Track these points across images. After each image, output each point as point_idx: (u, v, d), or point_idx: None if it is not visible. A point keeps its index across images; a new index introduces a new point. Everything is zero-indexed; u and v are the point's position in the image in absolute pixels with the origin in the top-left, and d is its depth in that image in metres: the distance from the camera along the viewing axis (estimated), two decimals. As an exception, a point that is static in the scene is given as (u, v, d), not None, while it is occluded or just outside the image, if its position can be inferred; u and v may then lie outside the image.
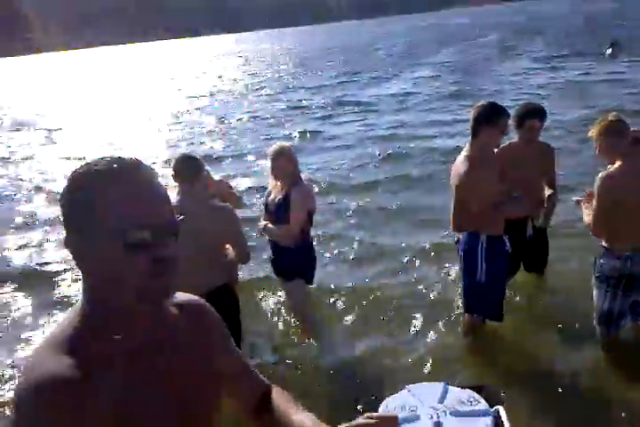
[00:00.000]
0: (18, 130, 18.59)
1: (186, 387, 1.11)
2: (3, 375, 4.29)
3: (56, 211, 8.49)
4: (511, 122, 4.00)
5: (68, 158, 12.48)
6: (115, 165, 0.99)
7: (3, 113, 23.86)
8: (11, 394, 3.92)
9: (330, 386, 3.83)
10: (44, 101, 26.18)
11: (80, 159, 11.59)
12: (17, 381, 1.00)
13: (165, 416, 1.06)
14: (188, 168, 3.43)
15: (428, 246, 5.91)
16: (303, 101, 18.50)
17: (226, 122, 16.07)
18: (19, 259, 6.91)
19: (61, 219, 1.03)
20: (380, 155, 10.32)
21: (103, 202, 0.97)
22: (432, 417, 1.76)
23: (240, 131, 14.46)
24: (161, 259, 0.97)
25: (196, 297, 1.29)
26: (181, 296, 1.24)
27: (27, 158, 13.45)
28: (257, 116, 16.25)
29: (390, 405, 1.94)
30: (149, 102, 21.72)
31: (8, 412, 3.32)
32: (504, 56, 25.03)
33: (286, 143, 4.32)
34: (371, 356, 4.16)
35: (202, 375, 1.16)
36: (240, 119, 16.13)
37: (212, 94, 22.52)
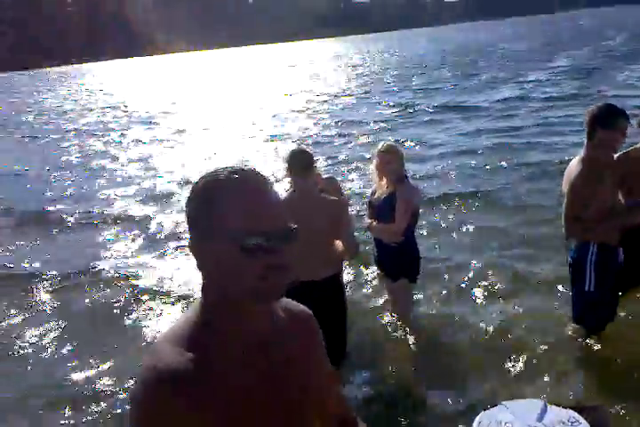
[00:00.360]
0: (144, 125, 19.86)
1: (290, 386, 1.17)
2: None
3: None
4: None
5: (192, 158, 13.03)
6: (236, 176, 1.09)
7: (132, 110, 25.48)
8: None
9: (423, 395, 3.77)
10: (168, 100, 27.60)
11: (204, 159, 12.34)
12: (138, 373, 1.07)
13: (272, 415, 1.12)
14: (301, 161, 3.54)
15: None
16: (411, 104, 18.37)
17: (330, 124, 16.29)
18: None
19: (186, 223, 1.15)
20: (487, 165, 9.85)
21: (224, 209, 1.06)
22: (529, 436, 1.73)
23: (341, 134, 14.54)
24: (274, 265, 1.05)
25: (304, 307, 1.36)
26: (291, 303, 1.33)
27: (145, 157, 14.16)
28: (361, 122, 16.12)
29: (484, 420, 1.90)
30: (267, 102, 22.37)
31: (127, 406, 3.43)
32: (630, 59, 23.56)
33: (393, 142, 4.35)
34: (471, 366, 4.08)
35: (303, 378, 1.21)
36: (340, 122, 16.24)
37: (325, 99, 22.76)
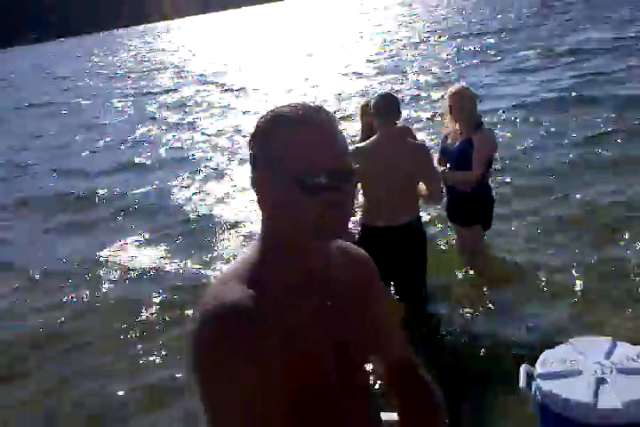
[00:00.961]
0: (203, 84, 19.98)
1: (343, 325, 1.17)
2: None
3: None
4: None
5: (253, 112, 13.10)
6: (299, 111, 1.06)
7: (189, 68, 25.67)
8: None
9: (489, 333, 3.80)
10: (225, 58, 27.61)
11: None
12: (197, 309, 1.06)
13: (325, 354, 1.12)
14: (390, 105, 3.49)
15: None
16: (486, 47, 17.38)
17: (404, 71, 15.75)
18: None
19: (249, 160, 1.13)
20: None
21: (284, 145, 1.04)
22: (596, 373, 1.68)
23: (415, 81, 14.06)
24: (334, 203, 1.02)
25: (361, 250, 1.35)
26: (349, 246, 1.32)
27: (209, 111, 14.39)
28: (429, 71, 15.31)
29: (549, 357, 1.84)
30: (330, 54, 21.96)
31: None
32: None
33: (466, 85, 4.18)
34: (540, 306, 4.06)
35: (359, 317, 1.21)
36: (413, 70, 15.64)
37: (388, 45, 22.06)
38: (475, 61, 15.37)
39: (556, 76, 11.82)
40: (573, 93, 9.97)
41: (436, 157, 4.12)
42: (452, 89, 4.06)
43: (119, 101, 18.91)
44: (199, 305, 1.04)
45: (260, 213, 1.13)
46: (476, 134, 3.94)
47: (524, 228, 5.31)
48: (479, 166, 3.95)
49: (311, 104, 1.10)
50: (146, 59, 35.86)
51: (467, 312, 4.08)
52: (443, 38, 21.13)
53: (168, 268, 5.68)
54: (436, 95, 11.55)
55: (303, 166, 1.01)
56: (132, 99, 19.18)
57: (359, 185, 3.58)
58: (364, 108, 4.32)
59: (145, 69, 28.70)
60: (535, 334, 3.68)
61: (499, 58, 15.36)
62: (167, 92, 19.47)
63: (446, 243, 5.06)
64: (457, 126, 4.05)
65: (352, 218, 1.23)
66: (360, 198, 3.67)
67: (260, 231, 1.15)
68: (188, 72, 24.27)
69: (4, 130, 16.82)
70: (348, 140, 1.22)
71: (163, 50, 42.04)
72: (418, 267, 3.74)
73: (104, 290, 5.39)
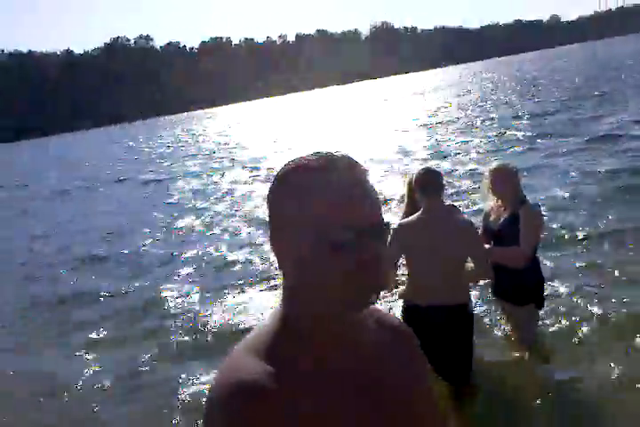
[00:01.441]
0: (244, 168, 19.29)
1: (385, 402, 1.03)
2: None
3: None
4: None
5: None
6: (322, 160, 0.96)
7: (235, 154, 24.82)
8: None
9: None
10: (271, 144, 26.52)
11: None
12: (212, 382, 0.97)
13: None
14: (434, 181, 3.47)
15: None
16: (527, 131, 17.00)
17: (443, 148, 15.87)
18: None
19: (267, 218, 1.03)
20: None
21: (310, 199, 0.94)
22: None
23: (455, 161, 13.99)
24: (364, 261, 0.92)
25: (400, 320, 1.24)
26: (387, 315, 1.20)
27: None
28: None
29: None
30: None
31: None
32: None
33: (508, 162, 4.17)
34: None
35: (400, 393, 1.07)
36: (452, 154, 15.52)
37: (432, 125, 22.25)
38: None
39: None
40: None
41: None
42: (493, 165, 4.05)
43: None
44: (219, 379, 0.97)
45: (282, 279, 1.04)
46: (522, 209, 3.85)
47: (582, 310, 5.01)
48: (531, 241, 3.82)
49: (339, 154, 0.99)
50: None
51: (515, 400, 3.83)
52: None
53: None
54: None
55: (331, 221, 0.92)
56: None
57: (402, 260, 3.52)
58: (410, 185, 4.32)
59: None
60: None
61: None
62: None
63: (492, 320, 4.87)
64: (499, 202, 3.99)
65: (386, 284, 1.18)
66: (401, 272, 3.57)
67: (281, 298, 1.05)
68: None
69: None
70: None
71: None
72: (462, 349, 3.54)
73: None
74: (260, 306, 6.16)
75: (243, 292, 6.83)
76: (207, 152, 27.79)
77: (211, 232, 10.62)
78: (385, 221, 0.98)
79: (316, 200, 0.93)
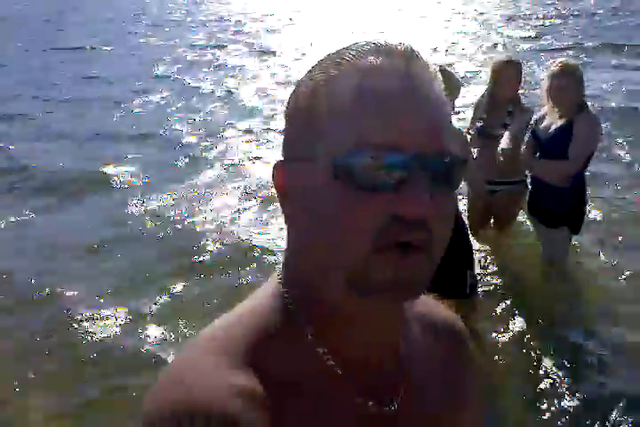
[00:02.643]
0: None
1: None
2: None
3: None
4: None
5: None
6: (370, 52, 0.60)
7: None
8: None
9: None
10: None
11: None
12: (147, 401, 0.59)
13: None
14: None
15: None
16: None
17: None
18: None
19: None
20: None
21: (330, 108, 0.59)
22: None
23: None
24: (412, 221, 0.55)
25: (452, 314, 0.85)
26: (434, 307, 0.82)
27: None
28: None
29: None
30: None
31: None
32: None
33: (573, 61, 3.55)
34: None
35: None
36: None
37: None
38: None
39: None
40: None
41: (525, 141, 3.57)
42: (557, 65, 3.41)
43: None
44: (153, 390, 0.59)
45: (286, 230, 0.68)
46: (579, 118, 3.30)
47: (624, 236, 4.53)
48: (579, 157, 3.32)
49: (394, 43, 0.62)
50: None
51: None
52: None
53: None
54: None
55: (357, 145, 0.56)
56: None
57: None
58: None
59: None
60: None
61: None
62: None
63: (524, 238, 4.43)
64: (555, 108, 3.42)
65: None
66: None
67: (279, 265, 0.71)
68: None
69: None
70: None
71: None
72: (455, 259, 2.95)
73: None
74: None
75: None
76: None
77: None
78: (456, 152, 0.60)
79: (338, 109, 0.59)
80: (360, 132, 0.56)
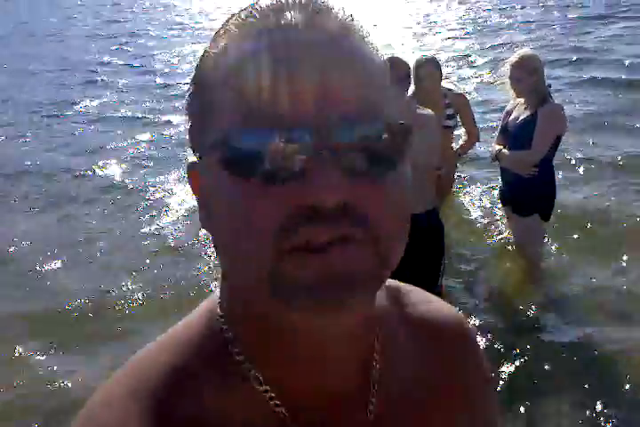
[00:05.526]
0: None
1: None
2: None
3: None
4: None
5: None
6: (263, 10, 0.49)
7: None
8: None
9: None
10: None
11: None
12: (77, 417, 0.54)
13: None
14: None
15: None
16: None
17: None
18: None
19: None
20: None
21: (214, 81, 0.50)
22: None
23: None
24: (325, 213, 0.43)
25: (455, 314, 0.73)
26: (432, 305, 0.71)
27: None
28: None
29: None
30: None
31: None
32: None
33: (530, 51, 3.62)
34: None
35: None
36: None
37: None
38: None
39: None
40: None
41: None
42: (514, 56, 3.49)
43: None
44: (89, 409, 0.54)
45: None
46: (541, 109, 3.37)
47: (593, 226, 4.60)
48: (541, 145, 3.39)
49: None
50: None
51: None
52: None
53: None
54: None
55: (237, 115, 0.46)
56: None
57: None
58: None
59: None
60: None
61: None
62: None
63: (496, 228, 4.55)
64: (521, 100, 3.51)
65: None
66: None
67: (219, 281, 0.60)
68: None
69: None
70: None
71: None
72: (429, 257, 3.02)
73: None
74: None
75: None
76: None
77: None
78: (391, 117, 0.48)
79: (231, 75, 0.48)
80: (245, 107, 0.45)
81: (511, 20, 14.24)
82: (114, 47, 15.28)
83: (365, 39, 0.50)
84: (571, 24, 12.79)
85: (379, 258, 0.46)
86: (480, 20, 14.78)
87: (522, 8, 15.79)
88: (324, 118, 0.44)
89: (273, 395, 0.54)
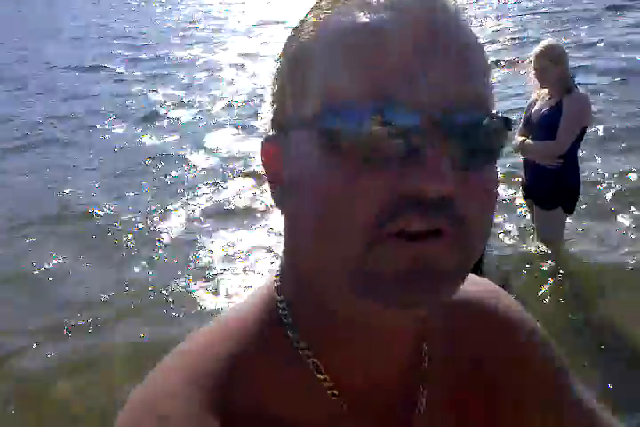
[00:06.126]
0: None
1: None
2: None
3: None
4: None
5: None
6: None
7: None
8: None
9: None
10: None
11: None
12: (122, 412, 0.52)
13: None
14: None
15: None
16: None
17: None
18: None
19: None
20: None
21: (318, 54, 0.47)
22: None
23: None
24: (429, 203, 0.42)
25: (522, 317, 0.68)
26: (498, 303, 0.67)
27: None
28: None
29: None
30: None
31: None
32: None
33: (555, 41, 3.57)
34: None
35: None
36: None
37: None
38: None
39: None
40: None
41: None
42: (539, 47, 3.44)
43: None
44: (134, 404, 0.52)
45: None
46: (566, 98, 3.32)
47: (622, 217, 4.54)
48: (566, 135, 3.33)
49: None
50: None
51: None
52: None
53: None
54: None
55: (342, 91, 0.44)
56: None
57: None
58: None
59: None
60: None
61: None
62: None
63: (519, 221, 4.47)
64: (544, 90, 3.46)
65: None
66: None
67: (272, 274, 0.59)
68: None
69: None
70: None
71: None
72: None
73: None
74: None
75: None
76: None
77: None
78: (493, 110, 0.47)
79: (332, 46, 0.46)
80: (352, 84, 0.43)
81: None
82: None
83: (470, 32, 0.48)
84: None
85: (465, 255, 0.46)
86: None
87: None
88: (438, 106, 0.42)
89: (332, 384, 0.53)
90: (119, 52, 14.26)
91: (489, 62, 0.49)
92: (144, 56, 13.52)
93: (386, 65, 0.42)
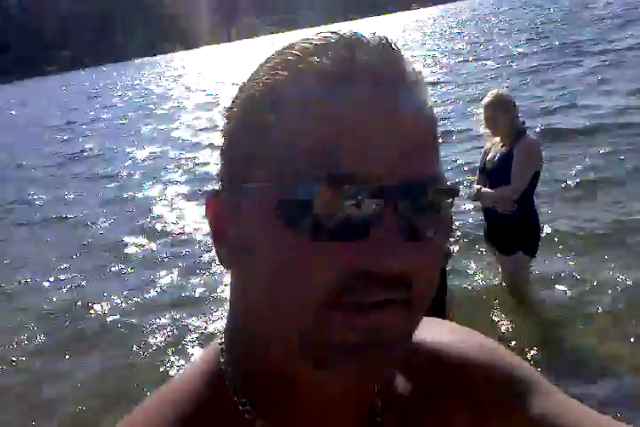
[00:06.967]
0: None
1: None
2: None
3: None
4: None
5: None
6: (330, 46, 0.45)
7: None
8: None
9: None
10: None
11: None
12: None
13: None
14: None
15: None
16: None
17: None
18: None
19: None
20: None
21: (274, 122, 0.45)
22: None
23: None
24: (385, 279, 0.42)
25: (477, 338, 0.65)
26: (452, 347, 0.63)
27: None
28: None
29: None
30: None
31: None
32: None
33: (503, 90, 3.67)
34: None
35: None
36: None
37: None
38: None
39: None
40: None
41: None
42: (487, 97, 3.53)
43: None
44: None
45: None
46: (518, 145, 3.39)
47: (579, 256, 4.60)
48: (519, 180, 3.39)
49: (364, 33, 0.47)
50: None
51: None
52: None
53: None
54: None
55: (299, 164, 0.43)
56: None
57: None
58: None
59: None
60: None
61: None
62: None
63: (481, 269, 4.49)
64: (496, 139, 3.54)
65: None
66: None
67: (224, 329, 0.56)
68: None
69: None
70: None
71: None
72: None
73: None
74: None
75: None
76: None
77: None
78: (442, 180, 0.46)
79: (291, 122, 0.44)
80: (303, 155, 0.42)
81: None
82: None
83: (421, 87, 0.48)
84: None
85: (414, 317, 0.46)
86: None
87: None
88: (392, 180, 0.42)
89: None
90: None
91: (439, 134, 0.49)
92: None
93: (339, 137, 0.42)
